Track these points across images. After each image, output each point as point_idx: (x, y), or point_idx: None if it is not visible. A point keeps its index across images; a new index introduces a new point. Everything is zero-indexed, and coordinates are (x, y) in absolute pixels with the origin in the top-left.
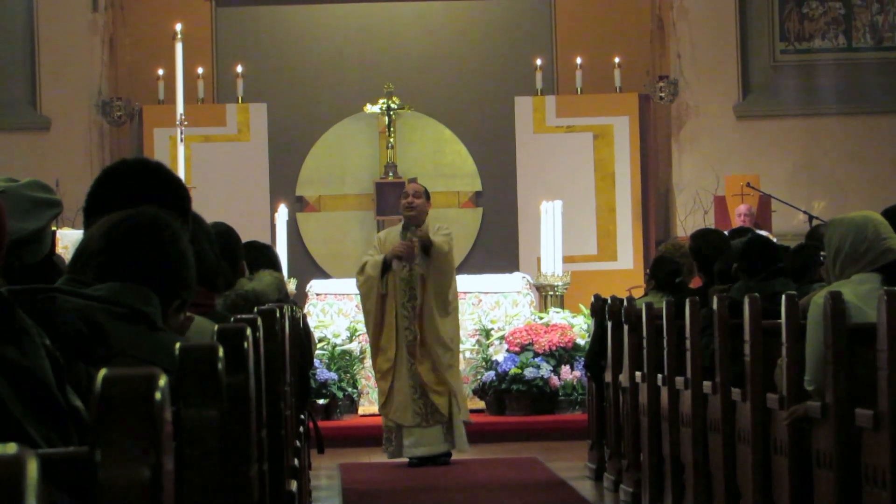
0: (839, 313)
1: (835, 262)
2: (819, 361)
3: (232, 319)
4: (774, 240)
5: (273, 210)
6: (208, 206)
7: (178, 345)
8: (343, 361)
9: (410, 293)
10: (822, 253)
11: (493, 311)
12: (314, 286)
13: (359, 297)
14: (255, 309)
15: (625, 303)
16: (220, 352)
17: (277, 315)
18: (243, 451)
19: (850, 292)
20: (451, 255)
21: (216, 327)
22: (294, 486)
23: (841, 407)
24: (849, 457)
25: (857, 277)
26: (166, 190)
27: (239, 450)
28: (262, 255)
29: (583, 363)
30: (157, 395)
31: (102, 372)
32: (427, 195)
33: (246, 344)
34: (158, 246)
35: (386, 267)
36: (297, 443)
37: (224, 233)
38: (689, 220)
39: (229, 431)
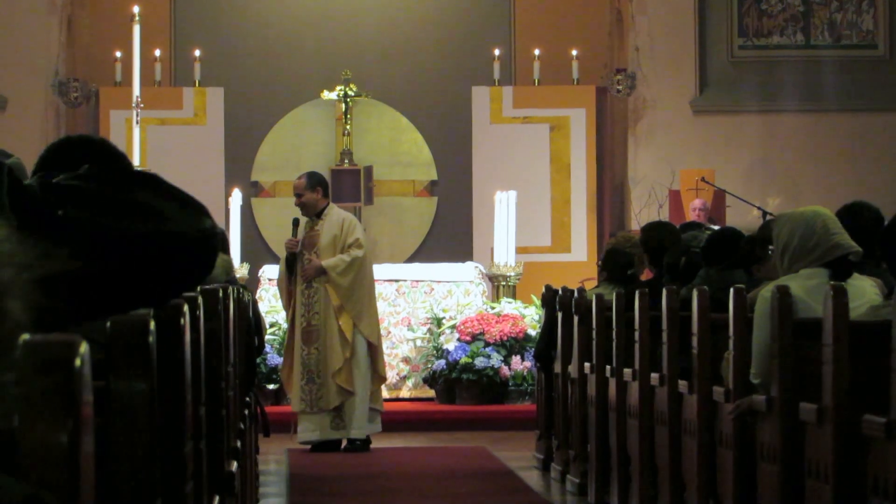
0: (786, 307)
1: (783, 256)
2: (765, 355)
3: None
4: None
5: (227, 195)
6: None
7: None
8: None
9: (308, 304)
10: (770, 247)
11: (445, 300)
12: (267, 271)
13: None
14: (198, 288)
15: (575, 294)
16: (152, 325)
17: (220, 295)
18: (177, 427)
19: (797, 287)
20: (355, 265)
21: None
22: (234, 466)
23: (786, 401)
24: (792, 451)
25: (805, 272)
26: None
27: (173, 425)
28: None
29: (532, 353)
30: (77, 361)
31: (23, 337)
32: (313, 185)
33: (182, 320)
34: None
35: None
36: (242, 425)
37: None
38: (643, 213)
39: (163, 407)
